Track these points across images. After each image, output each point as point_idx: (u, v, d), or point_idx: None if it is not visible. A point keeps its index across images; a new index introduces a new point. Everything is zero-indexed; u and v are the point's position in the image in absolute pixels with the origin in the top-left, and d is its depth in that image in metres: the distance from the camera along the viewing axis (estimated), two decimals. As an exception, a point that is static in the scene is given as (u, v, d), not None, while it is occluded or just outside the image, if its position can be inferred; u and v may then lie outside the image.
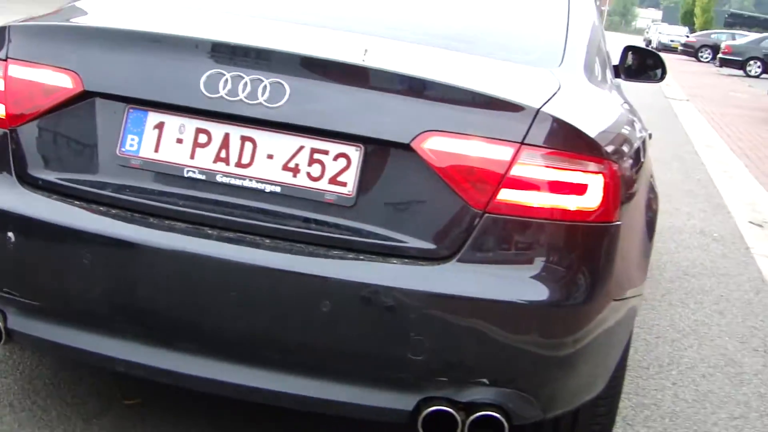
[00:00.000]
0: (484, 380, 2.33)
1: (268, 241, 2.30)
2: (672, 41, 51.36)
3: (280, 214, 2.32)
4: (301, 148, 2.32)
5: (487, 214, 2.28)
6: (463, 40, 2.82)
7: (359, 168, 2.30)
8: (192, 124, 2.36)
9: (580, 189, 2.32)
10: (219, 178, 2.34)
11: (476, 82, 2.38)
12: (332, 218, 2.31)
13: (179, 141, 2.36)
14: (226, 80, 2.31)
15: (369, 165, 2.30)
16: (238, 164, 2.34)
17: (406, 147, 2.27)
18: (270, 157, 2.33)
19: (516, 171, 2.27)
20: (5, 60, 2.47)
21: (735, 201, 8.31)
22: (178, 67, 2.36)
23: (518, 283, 2.29)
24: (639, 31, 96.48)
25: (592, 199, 2.34)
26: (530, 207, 2.29)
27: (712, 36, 44.90)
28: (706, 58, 42.97)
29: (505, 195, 2.28)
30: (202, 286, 2.29)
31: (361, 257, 2.28)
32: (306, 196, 2.31)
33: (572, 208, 2.31)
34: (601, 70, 3.09)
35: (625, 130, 2.73)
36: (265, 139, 2.33)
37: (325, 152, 2.31)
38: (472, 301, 2.26)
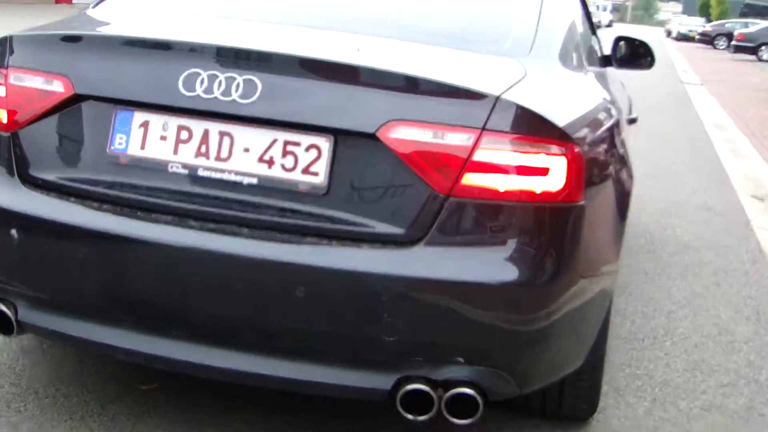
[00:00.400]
0: (459, 359, 2.24)
1: (246, 231, 2.24)
2: (690, 31, 50.51)
3: (257, 205, 2.25)
4: (275, 140, 2.25)
5: (451, 198, 2.19)
6: (434, 34, 2.72)
7: (330, 158, 2.22)
8: (174, 121, 2.30)
9: (542, 171, 2.22)
10: (200, 173, 2.28)
11: (440, 73, 2.29)
12: (306, 207, 2.23)
13: (163, 138, 2.31)
14: (202, 79, 2.25)
15: (339, 155, 2.23)
16: (218, 158, 2.27)
17: (372, 136, 2.19)
18: (246, 150, 2.26)
19: (478, 156, 2.18)
20: (6, 68, 2.44)
21: (739, 177, 8.10)
22: (159, 69, 2.31)
23: (485, 265, 2.20)
24: (661, 23, 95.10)
25: (555, 181, 2.24)
26: (494, 190, 2.20)
27: (727, 25, 43.99)
28: (722, 46, 42.13)
29: (469, 179, 2.19)
30: (185, 275, 2.24)
31: (333, 243, 2.20)
32: (281, 186, 2.24)
33: (535, 190, 2.22)
34: (575, 58, 2.97)
35: (593, 115, 2.62)
36: (242, 133, 2.27)
37: (297, 144, 2.24)
38: (440, 282, 2.18)
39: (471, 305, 2.21)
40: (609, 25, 59.81)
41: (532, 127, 2.23)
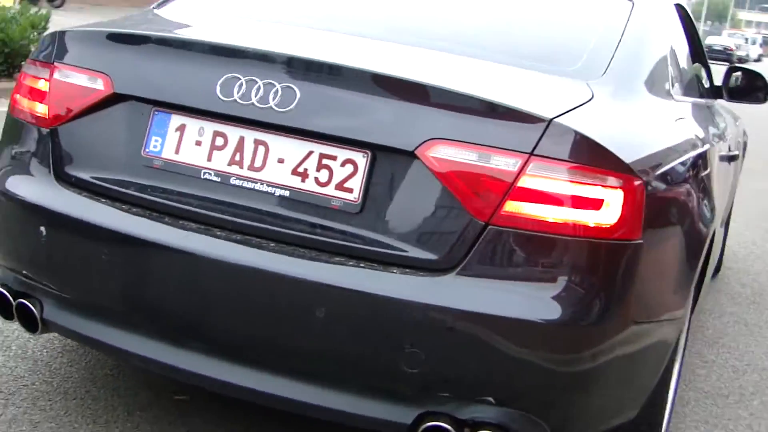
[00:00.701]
0: (488, 398, 2.10)
1: (273, 244, 2.16)
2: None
3: (287, 218, 2.17)
4: (311, 153, 2.16)
5: (491, 226, 2.05)
6: (497, 50, 2.59)
7: (365, 175, 2.12)
8: (210, 127, 2.25)
9: (595, 204, 2.07)
10: (232, 181, 2.21)
11: (491, 92, 2.16)
12: (337, 224, 2.14)
13: (198, 143, 2.25)
14: (241, 84, 2.18)
15: (375, 172, 2.13)
16: (251, 167, 2.20)
17: (411, 154, 2.08)
18: (281, 161, 2.18)
19: (524, 182, 2.05)
20: (52, 64, 2.44)
21: None
22: (198, 71, 2.26)
23: (523, 300, 2.06)
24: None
25: (609, 216, 2.08)
26: (538, 220, 2.05)
27: None
28: None
29: (512, 207, 2.05)
30: (206, 286, 2.17)
31: (361, 265, 2.10)
32: (313, 201, 2.16)
33: (586, 223, 2.07)
34: (661, 84, 2.78)
35: (666, 147, 2.44)
36: (277, 143, 2.19)
37: (333, 158, 2.14)
38: (469, 315, 2.04)
39: (503, 342, 2.06)
40: (758, 60, 57.58)
41: (587, 155, 2.08)
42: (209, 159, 2.24)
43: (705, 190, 2.73)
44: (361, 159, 2.13)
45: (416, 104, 2.12)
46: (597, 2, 2.94)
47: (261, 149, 2.21)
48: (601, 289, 2.11)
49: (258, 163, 2.21)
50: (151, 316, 2.27)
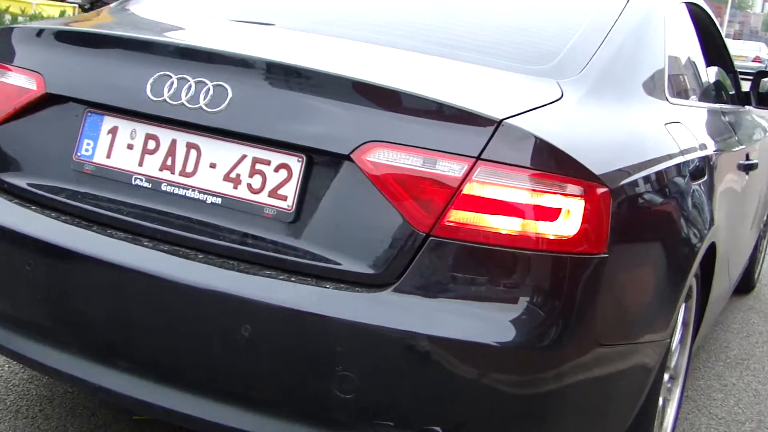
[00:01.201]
0: (437, 429, 1.93)
1: (201, 256, 2.02)
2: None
3: (218, 228, 2.04)
4: (243, 157, 2.03)
5: (432, 238, 1.90)
6: (462, 47, 2.43)
7: (300, 181, 1.98)
8: (143, 129, 2.13)
9: (550, 214, 1.90)
10: (164, 187, 2.09)
11: (439, 91, 2.00)
12: (270, 234, 2.00)
13: (130, 147, 2.14)
14: (172, 83, 2.06)
15: (311, 178, 1.99)
16: (183, 173, 2.08)
17: (347, 158, 1.93)
18: (213, 166, 2.06)
19: (469, 189, 1.89)
20: None
21: None
22: (131, 70, 2.15)
23: (466, 319, 1.90)
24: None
25: (566, 227, 1.91)
26: (486, 231, 1.89)
27: None
28: None
29: (456, 216, 1.89)
30: (130, 300, 2.05)
31: (293, 279, 1.95)
32: (245, 209, 2.02)
33: (540, 235, 1.90)
34: (652, 85, 2.59)
35: (646, 152, 2.25)
36: (210, 146, 2.07)
37: (267, 162, 2.01)
38: (406, 336, 1.88)
39: (445, 366, 1.90)
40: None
41: (542, 160, 1.92)
42: (141, 164, 2.12)
43: (697, 200, 2.53)
44: (296, 164, 2.00)
45: (355, 104, 1.98)
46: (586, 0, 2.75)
47: (193, 153, 2.08)
48: (559, 307, 1.94)
49: (190, 168, 2.08)
50: (77, 332, 2.15)
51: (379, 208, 1.93)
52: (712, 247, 2.74)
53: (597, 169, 1.98)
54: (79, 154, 2.19)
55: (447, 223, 1.90)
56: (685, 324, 2.82)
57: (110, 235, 2.10)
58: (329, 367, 1.90)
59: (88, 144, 2.18)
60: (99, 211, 2.14)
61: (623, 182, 2.07)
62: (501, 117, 1.91)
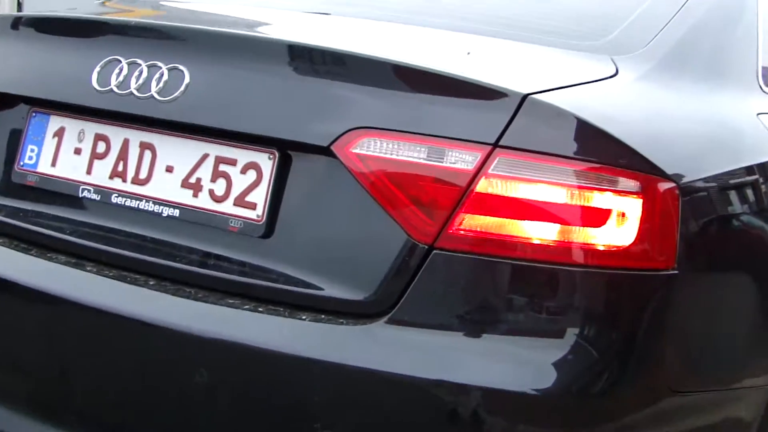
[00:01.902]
0: None
1: (152, 282, 1.63)
2: None
3: (174, 247, 1.67)
4: (205, 156, 1.65)
5: (437, 251, 1.46)
6: (500, 24, 2.01)
7: (271, 183, 1.59)
8: (92, 129, 1.78)
9: (596, 217, 1.46)
10: (114, 199, 1.73)
11: (449, 65, 1.57)
12: (235, 253, 1.61)
13: (77, 151, 1.79)
14: (121, 69, 1.71)
15: (284, 179, 1.59)
16: (135, 180, 1.72)
17: (327, 152, 1.52)
18: (169, 170, 1.68)
19: (484, 186, 1.45)
20: None
21: None
22: (76, 57, 1.80)
23: (487, 359, 1.46)
24: None
25: (619, 235, 1.46)
26: (508, 241, 1.46)
27: None
28: None
29: (467, 222, 1.46)
30: (64, 338, 1.68)
31: (261, 309, 1.54)
32: (207, 222, 1.65)
33: (582, 245, 1.46)
34: (740, 69, 2.10)
35: (729, 147, 1.79)
36: (166, 146, 1.70)
37: (232, 162, 1.62)
38: (406, 382, 1.44)
39: (462, 423, 1.45)
40: None
41: (582, 146, 1.48)
42: (89, 171, 1.76)
43: None
44: (267, 162, 1.60)
45: (339, 83, 1.58)
46: None
47: (147, 155, 1.71)
48: (615, 342, 1.49)
49: (143, 174, 1.71)
50: (17, 381, 1.78)
51: (368, 214, 1.51)
52: None
53: (660, 160, 1.52)
54: (22, 163, 1.84)
55: (456, 232, 1.47)
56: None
57: (50, 260, 1.73)
58: (305, 423, 1.47)
59: (32, 151, 1.83)
60: (40, 231, 1.78)
61: (697, 178, 1.61)
62: (525, 91, 1.48)
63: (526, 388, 1.45)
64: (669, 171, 1.52)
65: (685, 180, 1.55)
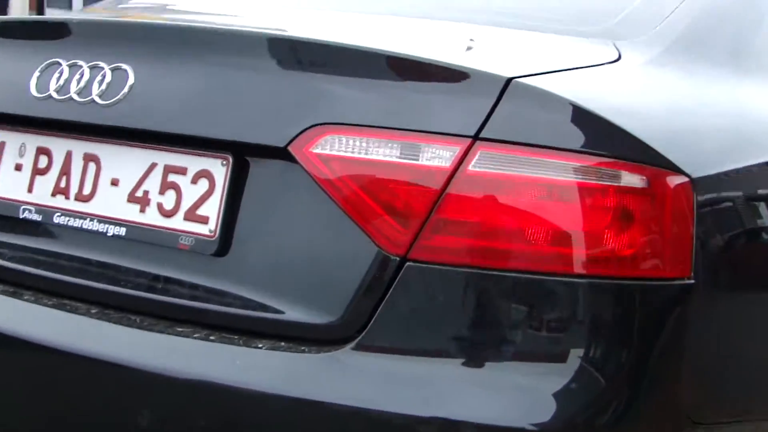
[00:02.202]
0: None
1: (94, 310, 1.44)
2: None
3: (120, 270, 1.49)
4: (153, 166, 1.48)
5: (410, 263, 1.26)
6: (495, 12, 1.81)
7: (225, 193, 1.40)
8: (33, 141, 1.62)
9: (597, 218, 1.26)
10: (56, 219, 1.55)
11: (427, 51, 1.39)
12: (186, 275, 1.44)
13: (18, 168, 1.62)
14: (61, 72, 1.53)
15: (240, 188, 1.41)
16: (79, 197, 1.55)
17: (284, 152, 1.33)
18: (115, 183, 1.51)
19: (462, 186, 1.25)
20: None
21: None
22: (14, 63, 1.62)
23: (478, 391, 1.25)
24: None
25: (625, 238, 1.26)
26: (494, 249, 1.25)
27: None
28: None
29: (443, 229, 1.26)
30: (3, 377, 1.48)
31: (212, 338, 1.35)
32: (155, 240, 1.46)
33: (581, 252, 1.24)
34: (762, 57, 1.89)
35: (755, 141, 1.57)
36: (112, 156, 1.53)
37: (182, 171, 1.44)
38: (379, 417, 1.24)
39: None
40: None
41: (578, 137, 1.28)
42: (30, 189, 1.59)
43: None
44: (220, 169, 1.41)
45: (298, 75, 1.40)
46: None
47: (91, 168, 1.54)
48: (623, 365, 1.27)
49: (87, 190, 1.53)
50: None
51: (333, 225, 1.32)
52: None
53: (669, 151, 1.32)
54: None
55: (432, 240, 1.27)
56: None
57: None
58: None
59: None
60: None
61: (716, 172, 1.40)
62: (509, 75, 1.28)
63: (524, 423, 1.24)
64: (681, 164, 1.31)
65: (700, 175, 1.34)
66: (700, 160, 1.37)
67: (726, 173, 1.42)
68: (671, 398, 1.31)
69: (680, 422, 1.33)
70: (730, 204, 1.41)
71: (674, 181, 1.29)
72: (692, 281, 1.29)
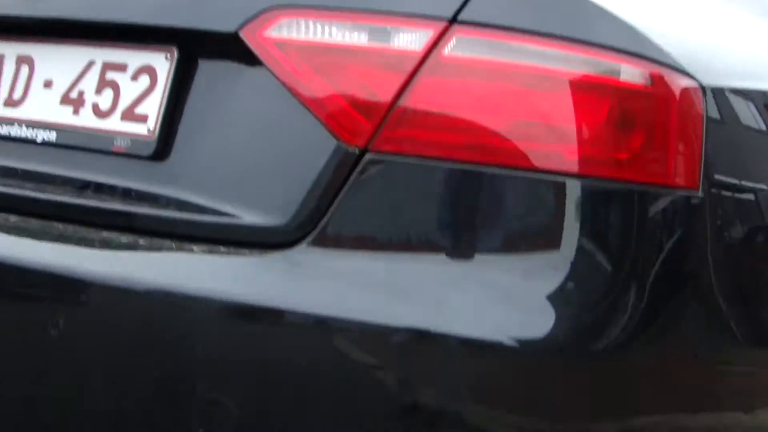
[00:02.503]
0: None
1: (15, 219, 1.30)
2: None
3: (47, 178, 1.36)
4: (91, 65, 1.35)
5: (370, 154, 1.10)
6: None
7: (168, 89, 1.26)
8: None
9: (588, 114, 1.10)
10: None
11: None
12: (119, 179, 1.28)
13: None
14: None
15: (187, 85, 1.27)
16: (9, 101, 1.43)
17: (235, 38, 1.18)
18: (48, 84, 1.39)
19: (434, 73, 1.11)
20: None
21: None
22: None
23: (447, 295, 1.07)
24: None
25: (621, 138, 1.10)
26: (470, 143, 1.11)
27: None
28: None
29: (411, 118, 1.11)
30: None
31: (141, 242, 1.18)
32: (87, 144, 1.34)
33: (569, 148, 1.09)
34: None
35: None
36: (47, 56, 1.42)
37: (122, 68, 1.31)
38: (324, 323, 1.08)
39: (407, 384, 1.07)
40: None
41: (569, 23, 1.13)
42: None
43: None
44: (163, 63, 1.27)
45: None
46: None
47: (24, 70, 1.42)
48: (614, 285, 1.11)
49: (18, 94, 1.41)
50: None
51: (289, 117, 1.18)
52: None
53: (676, 49, 1.17)
54: None
55: (394, 132, 1.11)
56: None
57: None
58: (187, 387, 1.11)
59: None
60: None
61: (735, 87, 1.24)
62: None
63: (504, 337, 1.07)
64: (687, 66, 1.16)
65: (711, 81, 1.18)
66: (712, 65, 1.22)
67: (746, 90, 1.27)
68: (670, 329, 1.14)
69: (681, 357, 1.16)
70: (748, 118, 1.26)
71: (680, 82, 1.14)
72: (700, 194, 1.13)
